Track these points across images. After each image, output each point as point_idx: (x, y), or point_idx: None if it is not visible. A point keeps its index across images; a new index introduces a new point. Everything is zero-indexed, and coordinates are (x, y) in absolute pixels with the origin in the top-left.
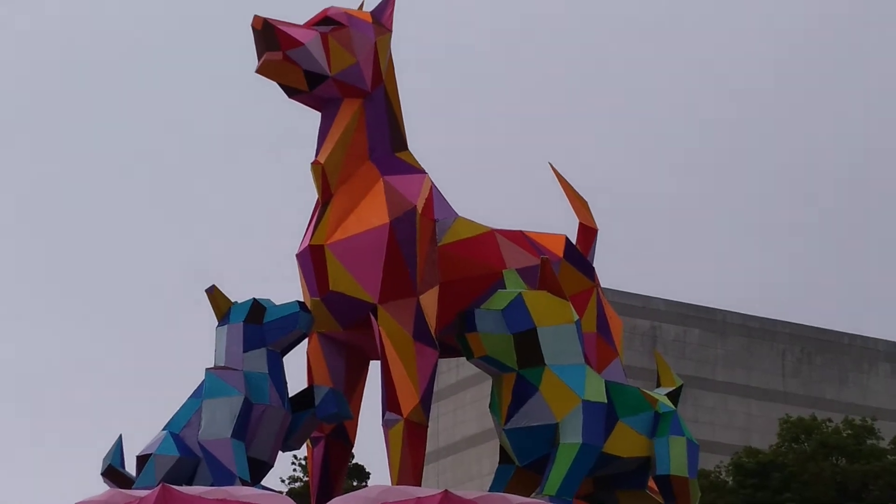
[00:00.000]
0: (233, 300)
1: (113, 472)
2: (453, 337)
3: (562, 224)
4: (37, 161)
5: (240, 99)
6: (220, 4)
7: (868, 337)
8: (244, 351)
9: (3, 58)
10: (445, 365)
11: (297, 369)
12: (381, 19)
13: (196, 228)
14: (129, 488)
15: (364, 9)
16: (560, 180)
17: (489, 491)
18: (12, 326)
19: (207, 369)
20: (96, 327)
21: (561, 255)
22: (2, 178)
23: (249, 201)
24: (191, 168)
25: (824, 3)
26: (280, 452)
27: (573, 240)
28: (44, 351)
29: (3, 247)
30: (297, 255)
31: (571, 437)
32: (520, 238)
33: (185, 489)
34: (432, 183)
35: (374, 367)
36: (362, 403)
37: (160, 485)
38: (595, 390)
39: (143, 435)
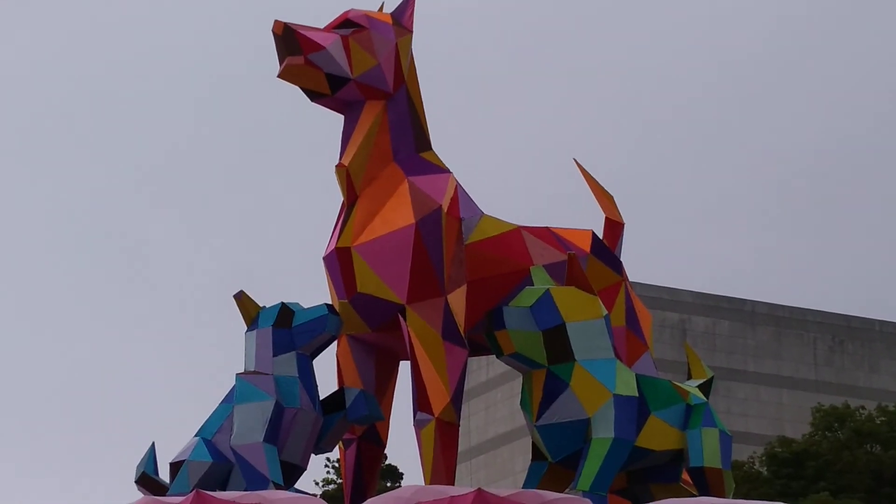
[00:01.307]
0: (261, 305)
1: (147, 480)
2: (482, 335)
3: (588, 219)
4: (81, 175)
5: (263, 103)
6: (244, 14)
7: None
8: (274, 355)
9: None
10: (475, 363)
11: (327, 372)
12: (402, 20)
13: (228, 236)
14: (164, 495)
15: (384, 10)
16: (585, 176)
17: (523, 488)
18: (57, 336)
19: (238, 374)
20: (130, 336)
21: (588, 250)
22: (45, 188)
23: (275, 205)
24: (224, 176)
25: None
26: (312, 455)
27: (600, 234)
28: (82, 359)
29: (52, 257)
30: (323, 258)
31: (603, 431)
32: (546, 234)
33: (218, 494)
34: (457, 182)
35: (404, 367)
36: (393, 404)
37: (194, 491)
38: (626, 384)
39: (175, 442)
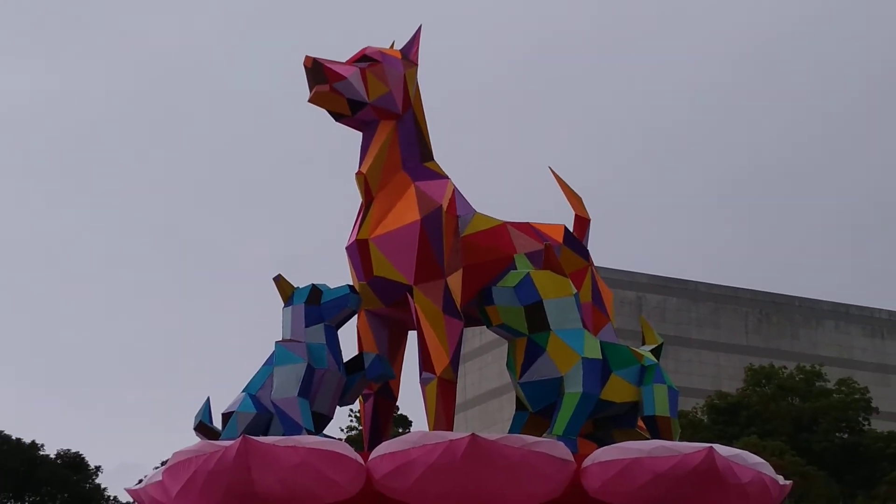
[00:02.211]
0: (295, 286)
1: (203, 427)
2: (475, 309)
3: (561, 215)
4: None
5: (299, 123)
6: (280, 49)
7: (815, 298)
8: (306, 327)
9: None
10: (470, 332)
11: (349, 340)
12: (409, 56)
13: (274, 230)
14: (217, 440)
15: (395, 47)
16: (558, 181)
17: (509, 433)
18: (137, 309)
19: (277, 342)
20: (191, 311)
21: (561, 240)
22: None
23: (310, 206)
24: (272, 182)
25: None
26: (338, 407)
27: (570, 228)
28: (165, 332)
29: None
30: (346, 248)
31: (574, 387)
32: (527, 228)
33: (261, 439)
34: (454, 186)
35: (412, 336)
36: (403, 366)
37: (241, 436)
38: (592, 349)
39: (226, 397)
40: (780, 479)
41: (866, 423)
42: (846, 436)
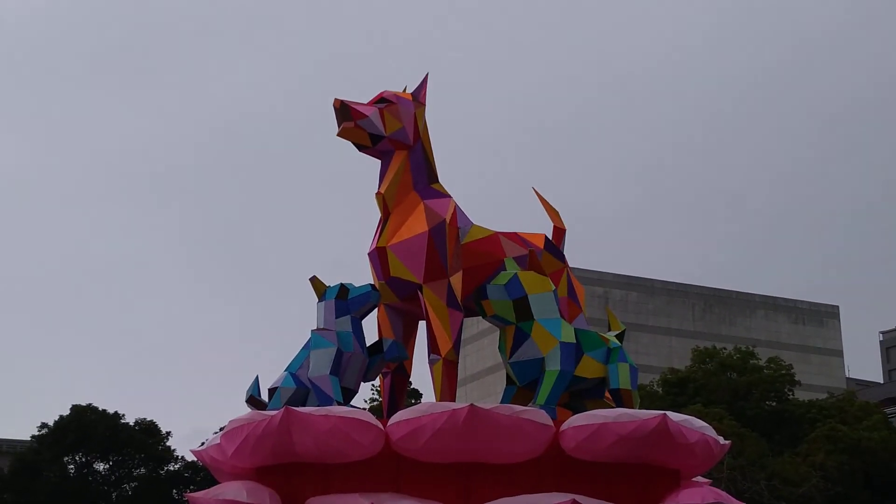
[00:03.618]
0: (328, 284)
1: (253, 400)
2: (473, 303)
3: (542, 226)
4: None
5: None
6: (318, 95)
7: (749, 292)
8: (336, 318)
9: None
10: (469, 321)
11: (371, 328)
12: (418, 98)
13: (314, 242)
14: (264, 410)
15: (407, 90)
16: (540, 198)
17: (501, 403)
18: (190, 296)
19: (312, 330)
20: (246, 303)
21: (542, 246)
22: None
23: (336, 221)
24: (312, 200)
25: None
26: (362, 383)
27: (550, 236)
28: (211, 317)
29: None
30: (368, 254)
31: (553, 365)
32: (514, 237)
33: (300, 409)
34: (455, 203)
35: (422, 325)
36: (415, 349)
37: (284, 407)
38: (568, 334)
39: (272, 375)
40: (721, 440)
41: (790, 393)
42: (774, 404)
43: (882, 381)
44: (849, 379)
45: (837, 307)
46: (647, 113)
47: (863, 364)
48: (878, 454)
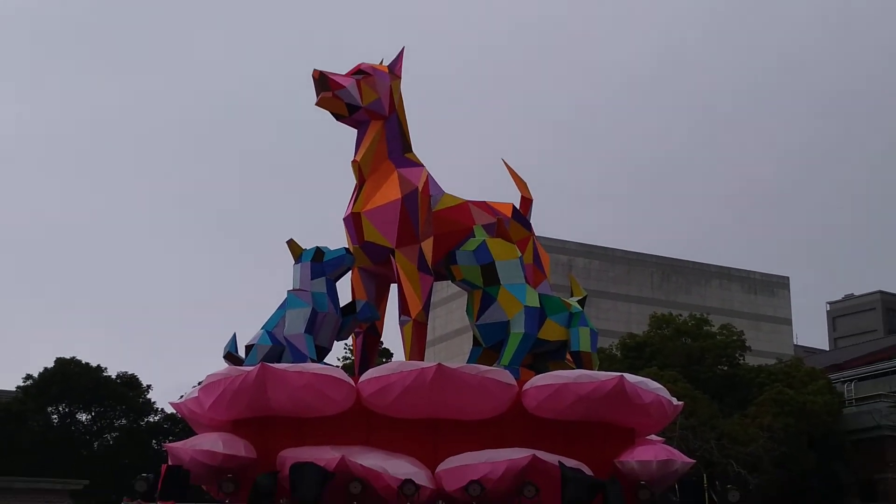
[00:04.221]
0: (303, 247)
1: (231, 356)
2: (443, 267)
3: (511, 195)
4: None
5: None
6: (300, 69)
7: (704, 262)
8: (311, 279)
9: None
10: (438, 285)
11: (345, 290)
12: (394, 70)
13: (297, 206)
14: (241, 366)
15: (384, 63)
16: (509, 169)
17: (467, 363)
18: (192, 264)
19: (289, 291)
20: (223, 266)
21: (510, 215)
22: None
23: (315, 185)
24: (301, 172)
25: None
26: (335, 342)
27: (518, 206)
28: (198, 278)
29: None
30: (343, 219)
31: (517, 328)
32: (483, 206)
33: (276, 365)
34: (428, 172)
35: (393, 288)
36: (386, 310)
37: (260, 363)
38: (532, 299)
39: (249, 333)
40: (674, 400)
41: (741, 359)
42: (725, 368)
43: (828, 349)
44: (796, 346)
45: (788, 278)
46: (612, 89)
47: (810, 332)
48: (822, 417)
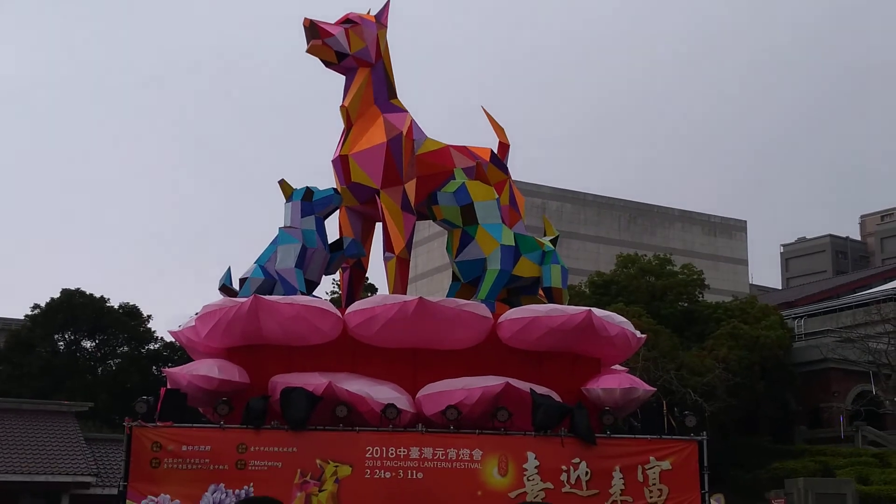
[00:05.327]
0: (294, 187)
1: (225, 289)
2: (425, 208)
3: (489, 140)
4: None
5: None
6: (291, 23)
7: (668, 206)
8: (301, 217)
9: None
10: (421, 224)
11: (333, 227)
12: (381, 20)
13: (290, 152)
14: (235, 297)
15: (371, 13)
16: (487, 115)
17: (446, 297)
18: (194, 201)
19: (280, 228)
20: (220, 203)
21: (488, 159)
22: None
23: (310, 126)
24: (294, 120)
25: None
26: (323, 276)
27: (495, 150)
28: (197, 215)
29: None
30: (332, 161)
31: (494, 265)
32: (463, 150)
33: (268, 297)
34: (412, 118)
35: (378, 226)
36: (371, 247)
37: (253, 295)
38: (507, 238)
39: (243, 267)
40: (638, 333)
41: (700, 296)
42: (686, 305)
43: (780, 288)
44: (752, 285)
45: (745, 222)
46: (586, 47)
47: (765, 272)
48: (773, 350)
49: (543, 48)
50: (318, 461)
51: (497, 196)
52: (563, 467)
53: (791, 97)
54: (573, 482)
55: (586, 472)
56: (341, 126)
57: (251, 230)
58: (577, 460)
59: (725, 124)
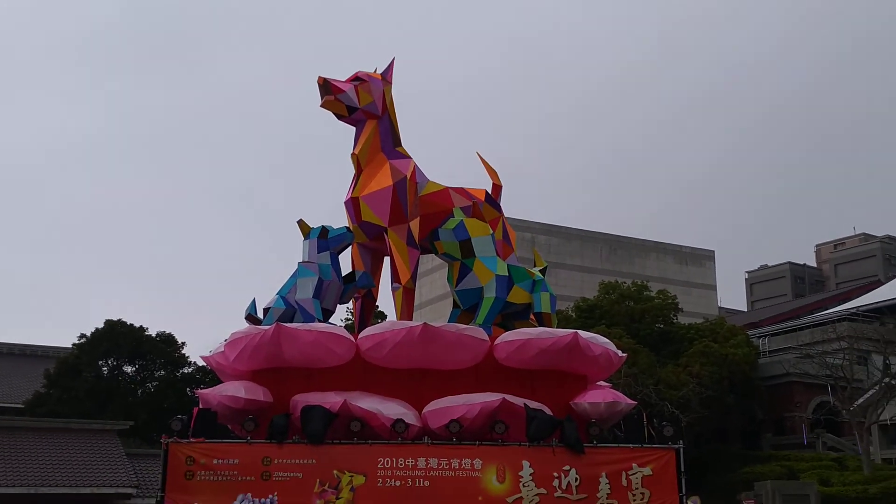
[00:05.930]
0: (311, 226)
1: (251, 317)
2: (428, 243)
3: (484, 182)
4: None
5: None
6: (309, 77)
7: (643, 238)
8: (318, 252)
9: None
10: (425, 258)
11: (346, 262)
12: (386, 77)
13: (305, 196)
14: (259, 325)
15: (377, 71)
16: (482, 160)
17: (448, 322)
18: (220, 239)
19: (299, 262)
20: (246, 242)
21: (483, 199)
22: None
23: (325, 178)
24: (310, 164)
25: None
26: (338, 305)
27: (490, 191)
28: (226, 253)
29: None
30: (344, 203)
31: (490, 293)
32: (461, 191)
33: (289, 325)
34: (415, 163)
35: (386, 260)
36: (381, 279)
37: (276, 323)
38: (502, 269)
39: (266, 297)
40: (620, 353)
41: (675, 318)
42: (661, 326)
43: (746, 310)
44: (720, 308)
45: (713, 251)
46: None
47: (732, 296)
48: (741, 366)
49: (538, 108)
50: (335, 472)
51: (492, 232)
52: (555, 474)
53: (754, 134)
54: (564, 487)
55: (576, 479)
56: (352, 171)
57: (273, 265)
58: (567, 467)
59: (702, 170)
